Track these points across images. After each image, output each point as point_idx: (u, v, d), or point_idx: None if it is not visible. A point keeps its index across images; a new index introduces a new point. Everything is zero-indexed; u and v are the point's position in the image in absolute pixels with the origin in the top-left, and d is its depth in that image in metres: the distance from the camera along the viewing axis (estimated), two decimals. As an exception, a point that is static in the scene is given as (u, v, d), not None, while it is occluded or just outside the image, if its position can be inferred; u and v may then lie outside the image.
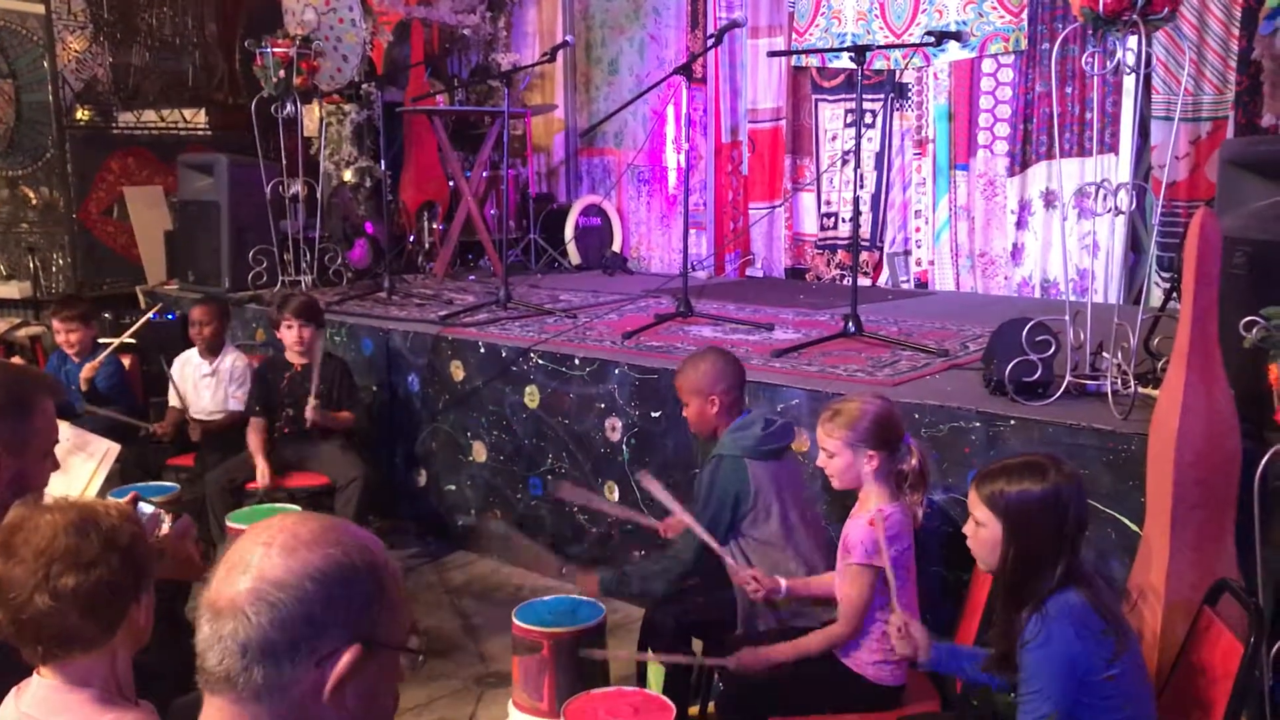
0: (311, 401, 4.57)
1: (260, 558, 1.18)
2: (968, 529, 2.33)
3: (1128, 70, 3.29)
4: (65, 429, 3.29)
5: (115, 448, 3.16)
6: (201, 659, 1.18)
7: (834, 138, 7.01)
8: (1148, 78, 3.15)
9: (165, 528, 2.17)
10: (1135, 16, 3.11)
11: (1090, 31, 3.24)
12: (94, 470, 3.13)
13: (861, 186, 6.64)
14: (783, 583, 2.94)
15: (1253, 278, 2.93)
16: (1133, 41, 3.25)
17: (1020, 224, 6.23)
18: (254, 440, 4.70)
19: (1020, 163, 6.19)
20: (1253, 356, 2.80)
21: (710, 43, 5.16)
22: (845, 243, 6.96)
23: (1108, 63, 3.31)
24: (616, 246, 7.97)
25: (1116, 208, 3.31)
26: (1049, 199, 6.09)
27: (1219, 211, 3.15)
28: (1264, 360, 2.72)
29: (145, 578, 1.66)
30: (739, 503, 3.10)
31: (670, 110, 7.76)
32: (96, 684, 1.60)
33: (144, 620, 1.67)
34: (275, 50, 6.11)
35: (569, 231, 7.77)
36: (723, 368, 3.26)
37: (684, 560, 3.16)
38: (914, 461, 2.83)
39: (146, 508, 2.18)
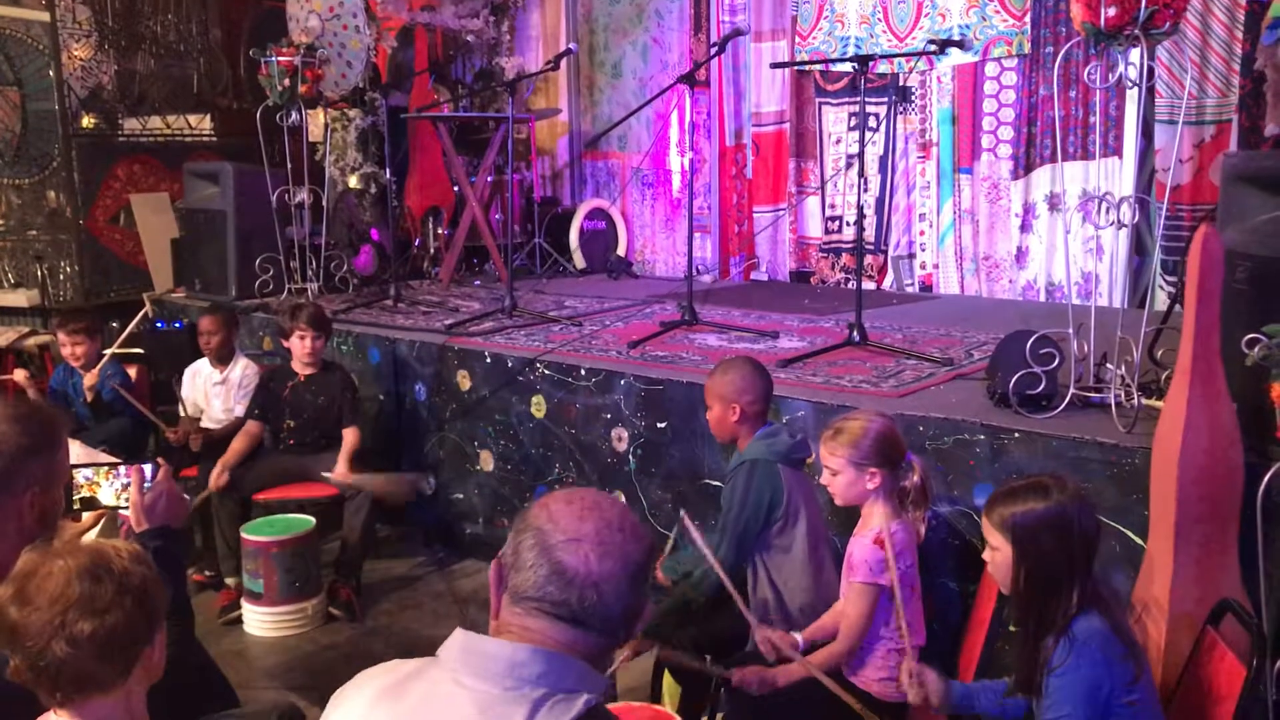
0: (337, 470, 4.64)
1: (621, 544, 1.49)
2: (986, 555, 2.36)
3: (1129, 84, 3.30)
4: (75, 448, 3.32)
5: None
6: (550, 594, 1.47)
7: (838, 140, 7.02)
8: (1150, 71, 3.17)
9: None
10: (1137, 31, 3.12)
11: (1092, 45, 3.24)
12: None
13: (866, 190, 6.67)
14: (798, 638, 2.93)
15: (1255, 293, 2.94)
16: (1135, 54, 3.26)
17: (1024, 227, 6.24)
18: (239, 442, 4.71)
19: (1024, 166, 6.19)
20: (1256, 371, 2.81)
21: (713, 51, 5.17)
22: (850, 246, 6.97)
23: (1110, 76, 3.31)
24: (621, 250, 7.99)
25: (1119, 221, 3.32)
26: (1053, 202, 6.09)
27: (1221, 225, 3.17)
28: (1266, 378, 2.73)
29: (158, 617, 1.69)
30: (773, 507, 3.10)
31: (674, 113, 7.77)
32: (113, 722, 1.63)
33: (157, 658, 1.70)
34: (280, 59, 6.13)
35: (574, 235, 7.78)
36: (751, 380, 3.26)
37: (711, 582, 3.14)
38: (916, 478, 2.85)
39: (147, 468, 2.25)
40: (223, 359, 5.09)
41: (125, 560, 1.65)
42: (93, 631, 1.58)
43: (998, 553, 2.29)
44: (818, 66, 6.95)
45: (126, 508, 2.25)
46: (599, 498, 1.55)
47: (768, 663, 2.87)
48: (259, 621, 4.35)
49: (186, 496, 2.34)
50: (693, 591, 3.19)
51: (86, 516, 2.36)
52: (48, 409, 2.18)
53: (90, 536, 2.39)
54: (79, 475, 2.30)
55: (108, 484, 2.28)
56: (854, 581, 2.75)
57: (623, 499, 4.42)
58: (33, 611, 1.58)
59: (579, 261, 7.77)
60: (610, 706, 2.91)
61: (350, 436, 4.76)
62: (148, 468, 2.26)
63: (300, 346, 4.74)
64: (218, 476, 4.53)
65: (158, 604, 1.68)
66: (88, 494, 2.29)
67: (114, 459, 2.48)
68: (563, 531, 1.48)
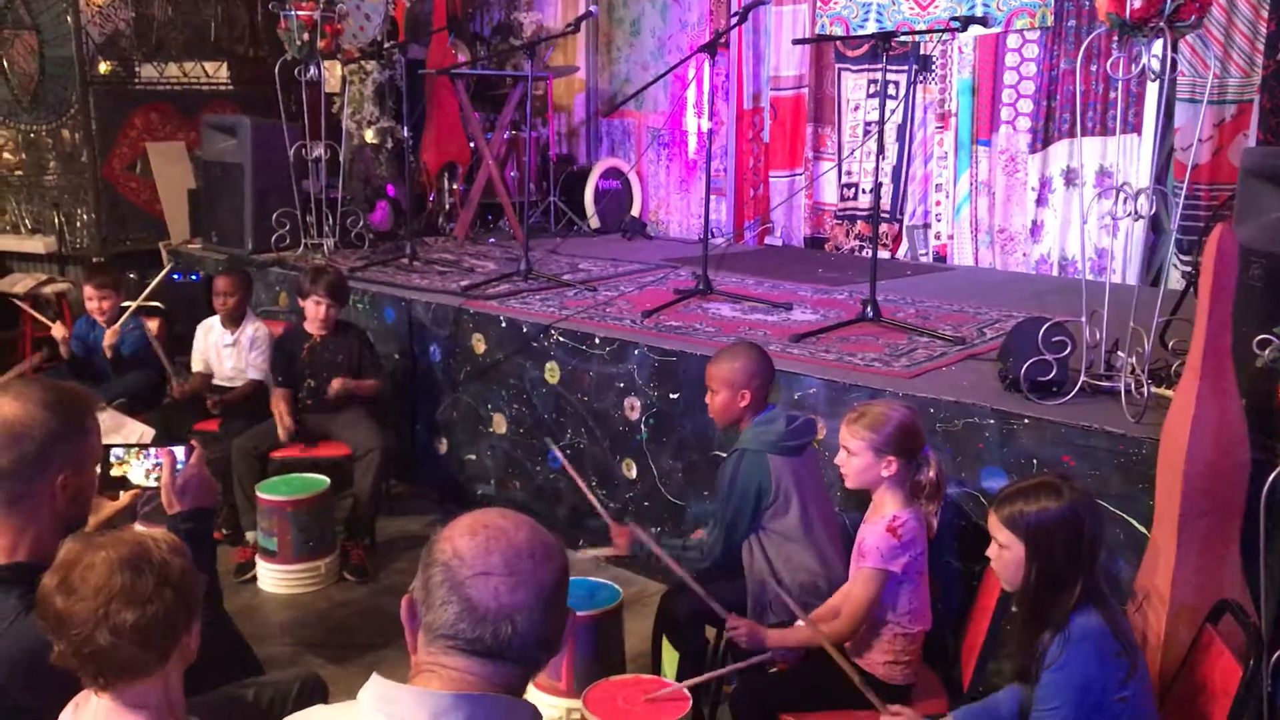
0: (335, 383, 4.69)
1: (532, 570, 1.45)
2: (990, 552, 2.40)
3: (1152, 76, 3.29)
4: (104, 418, 3.37)
5: (150, 432, 3.25)
6: (463, 631, 1.43)
7: (856, 108, 7.00)
8: (1173, 63, 3.16)
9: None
10: (1162, 24, 3.12)
11: (1116, 37, 3.24)
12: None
13: (883, 157, 6.66)
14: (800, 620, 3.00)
15: (1268, 291, 2.97)
16: (1158, 46, 3.25)
17: (1040, 201, 6.23)
18: (280, 405, 4.78)
19: (1042, 140, 6.17)
20: (1266, 370, 2.85)
21: (734, 22, 5.15)
22: (865, 213, 6.98)
23: (1133, 66, 3.31)
24: (636, 210, 8.00)
25: (1136, 212, 3.34)
26: (1070, 177, 6.09)
27: (1237, 221, 3.19)
28: (1276, 379, 2.76)
29: (195, 607, 1.76)
30: (760, 496, 3.17)
31: (691, 73, 7.73)
32: (151, 705, 1.70)
33: (194, 644, 1.77)
34: (299, 13, 6.10)
35: (589, 194, 7.78)
36: (759, 364, 3.30)
37: (712, 556, 3.23)
38: (931, 474, 2.89)
39: (179, 450, 2.31)
40: (235, 320, 5.13)
41: (165, 552, 1.72)
42: (134, 621, 1.64)
43: (1006, 551, 2.34)
44: (838, 27, 6.91)
45: (156, 487, 2.30)
46: (505, 523, 1.49)
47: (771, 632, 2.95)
48: (273, 579, 4.43)
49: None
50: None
51: (124, 496, 2.42)
52: (78, 391, 2.21)
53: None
54: (110, 455, 2.34)
55: (138, 463, 2.33)
56: (863, 566, 2.80)
57: (635, 468, 4.48)
58: (77, 601, 1.65)
59: (593, 221, 7.78)
60: (618, 679, 3.03)
61: (370, 382, 4.84)
62: (179, 450, 2.31)
63: (314, 311, 4.77)
64: (287, 433, 4.67)
65: (195, 594, 1.75)
66: (119, 473, 2.34)
67: (143, 443, 2.52)
68: (470, 566, 1.43)
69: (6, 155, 7.24)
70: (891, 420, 2.84)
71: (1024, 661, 2.32)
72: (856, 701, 2.81)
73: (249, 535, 4.59)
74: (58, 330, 5.23)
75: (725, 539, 3.21)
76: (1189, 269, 5.24)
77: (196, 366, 5.25)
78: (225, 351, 5.16)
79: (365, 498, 4.65)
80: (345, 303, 4.93)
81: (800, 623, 2.91)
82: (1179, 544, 2.76)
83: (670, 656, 3.38)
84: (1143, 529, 3.14)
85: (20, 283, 6.82)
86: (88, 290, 5.17)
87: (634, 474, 4.50)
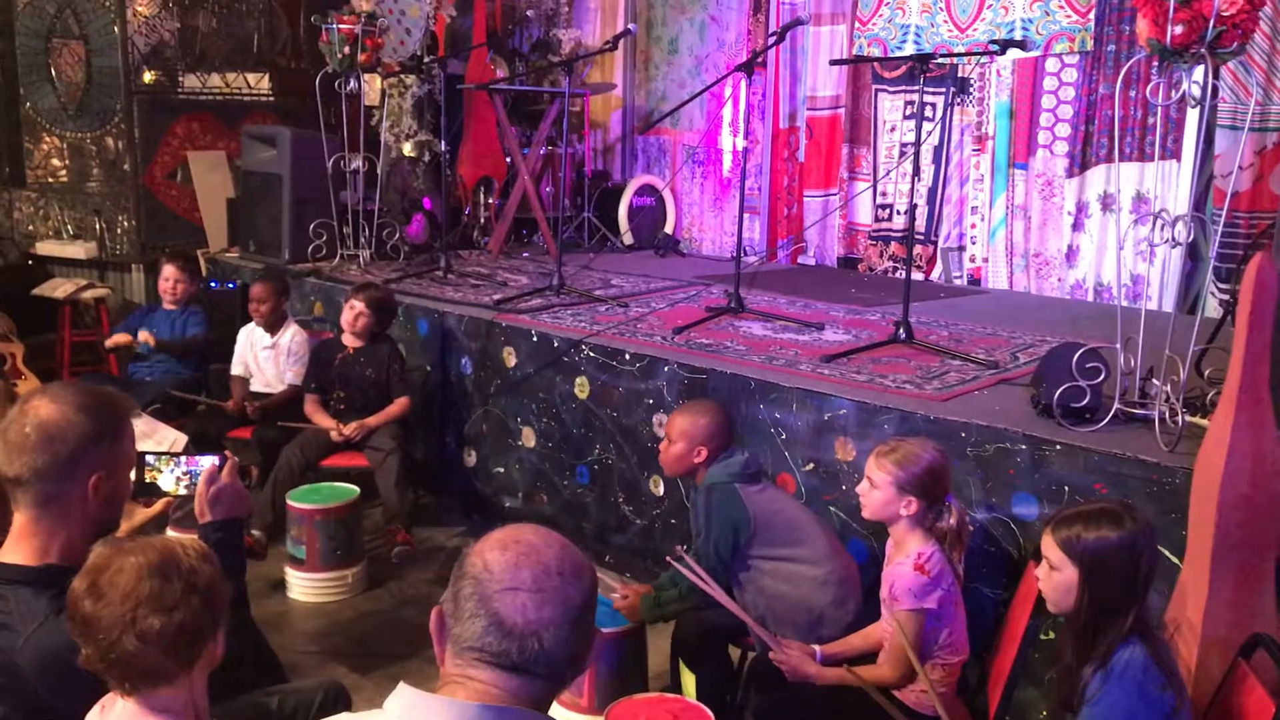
0: (350, 427, 4.75)
1: (560, 588, 1.47)
2: (1039, 571, 2.38)
3: (1193, 103, 3.27)
4: (136, 420, 3.41)
5: (182, 438, 3.28)
6: (490, 644, 1.44)
7: (893, 129, 6.98)
8: (1215, 89, 3.13)
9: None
10: (1203, 50, 3.09)
11: (1157, 62, 3.22)
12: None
13: (919, 179, 6.65)
14: (817, 650, 2.98)
15: (1308, 321, 2.92)
16: (1199, 72, 3.23)
17: (1076, 226, 6.19)
18: (313, 410, 4.87)
19: (1080, 164, 6.14)
20: (1303, 401, 2.81)
21: (771, 41, 5.16)
22: (899, 235, 6.96)
23: (1173, 92, 3.29)
24: (669, 227, 8.01)
25: (1174, 239, 3.31)
26: (1107, 202, 6.04)
27: (1276, 249, 3.15)
28: (1314, 410, 2.72)
29: (221, 614, 1.77)
30: (738, 527, 3.20)
31: (728, 91, 7.75)
32: (176, 711, 1.72)
33: (219, 651, 1.78)
34: (341, 27, 6.18)
35: (623, 211, 7.80)
36: (721, 426, 3.38)
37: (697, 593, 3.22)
38: (952, 521, 2.87)
39: (206, 460, 2.33)
40: (273, 325, 5.20)
41: (193, 559, 1.73)
42: (161, 628, 1.66)
43: (1057, 573, 2.32)
44: (876, 48, 6.91)
45: (184, 495, 2.32)
46: (535, 540, 1.50)
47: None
48: (301, 587, 4.45)
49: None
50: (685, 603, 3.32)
51: (157, 503, 2.44)
52: (113, 396, 2.23)
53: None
54: (144, 461, 2.37)
55: (169, 470, 2.36)
56: (899, 610, 2.77)
57: (662, 484, 4.48)
58: (105, 606, 1.67)
59: (627, 237, 7.80)
60: (641, 697, 3.02)
61: (398, 405, 4.87)
62: (206, 460, 2.32)
63: (348, 314, 4.86)
64: (337, 428, 4.75)
65: (222, 601, 1.77)
66: (149, 480, 2.37)
67: (175, 450, 2.56)
68: (498, 580, 1.45)
69: (54, 161, 7.36)
70: (921, 460, 2.83)
71: (1066, 692, 2.30)
72: (876, 719, 2.80)
73: (254, 532, 4.57)
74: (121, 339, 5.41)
75: (711, 571, 3.21)
76: (1227, 297, 5.19)
77: (236, 370, 5.32)
78: (264, 355, 5.22)
79: (394, 501, 4.65)
80: (385, 322, 4.97)
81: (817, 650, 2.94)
82: (1211, 576, 2.72)
83: (689, 678, 3.37)
84: (1175, 559, 3.10)
85: (61, 287, 6.90)
86: (168, 270, 5.37)
87: (661, 490, 4.49)
